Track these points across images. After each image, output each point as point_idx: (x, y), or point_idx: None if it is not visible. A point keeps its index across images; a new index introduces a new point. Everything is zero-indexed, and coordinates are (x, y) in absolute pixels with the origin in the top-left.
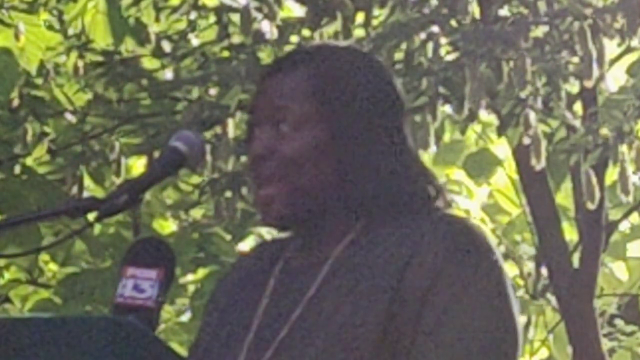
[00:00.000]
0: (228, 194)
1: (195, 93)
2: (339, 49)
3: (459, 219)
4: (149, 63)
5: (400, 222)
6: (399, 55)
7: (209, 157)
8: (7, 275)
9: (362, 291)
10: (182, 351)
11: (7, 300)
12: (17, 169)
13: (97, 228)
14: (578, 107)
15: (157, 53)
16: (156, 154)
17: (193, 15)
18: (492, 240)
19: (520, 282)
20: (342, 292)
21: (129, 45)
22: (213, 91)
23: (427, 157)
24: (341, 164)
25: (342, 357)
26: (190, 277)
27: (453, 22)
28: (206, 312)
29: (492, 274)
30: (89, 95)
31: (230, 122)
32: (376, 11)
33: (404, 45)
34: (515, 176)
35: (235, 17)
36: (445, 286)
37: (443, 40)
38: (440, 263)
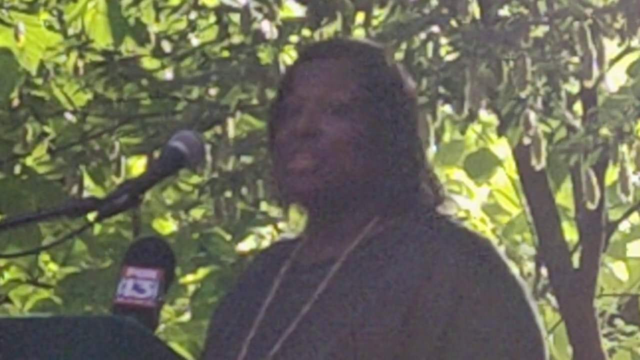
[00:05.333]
0: (228, 194)
1: (195, 93)
2: (375, 46)
3: (470, 231)
4: (149, 63)
5: (412, 225)
6: (399, 55)
7: (209, 157)
8: (7, 275)
9: (377, 299)
10: (182, 351)
11: (7, 300)
12: (17, 169)
13: (97, 228)
14: (578, 107)
15: (157, 53)
16: (156, 154)
17: (193, 15)
18: (500, 249)
19: None
20: (353, 294)
21: (129, 45)
22: (213, 91)
23: None
24: (379, 155)
25: None
26: (190, 277)
27: (453, 22)
28: (212, 320)
29: (513, 290)
30: (89, 95)
31: (230, 122)
32: (376, 11)
33: (404, 45)
34: (515, 176)
35: (235, 17)
36: (470, 309)
37: (443, 40)
38: (461, 283)
